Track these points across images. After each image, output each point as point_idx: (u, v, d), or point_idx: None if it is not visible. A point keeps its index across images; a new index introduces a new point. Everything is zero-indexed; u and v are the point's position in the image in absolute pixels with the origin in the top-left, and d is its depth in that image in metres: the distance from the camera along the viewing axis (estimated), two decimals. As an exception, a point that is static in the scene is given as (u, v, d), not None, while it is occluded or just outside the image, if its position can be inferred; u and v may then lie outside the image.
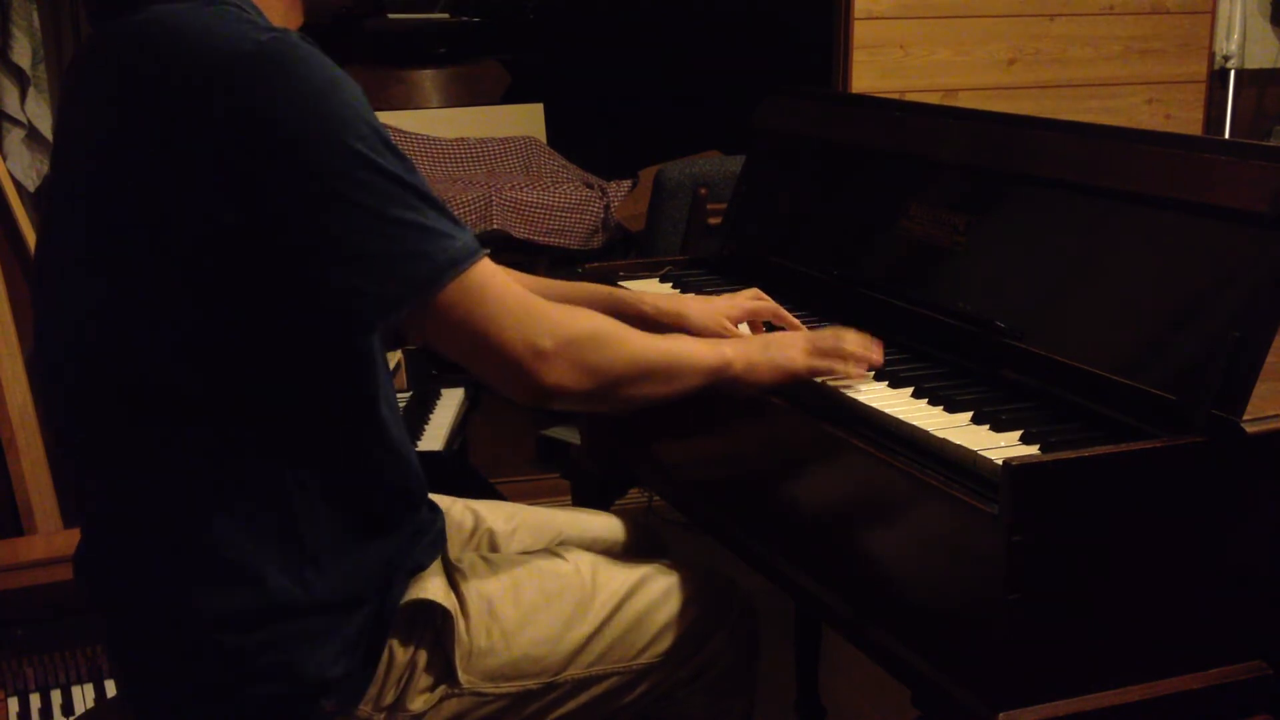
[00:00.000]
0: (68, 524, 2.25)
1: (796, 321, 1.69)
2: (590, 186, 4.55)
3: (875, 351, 1.54)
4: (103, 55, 1.24)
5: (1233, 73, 3.99)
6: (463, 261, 1.21)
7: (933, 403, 1.45)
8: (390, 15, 5.18)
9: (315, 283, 1.17)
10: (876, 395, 1.48)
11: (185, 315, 1.18)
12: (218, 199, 1.14)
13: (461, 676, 1.36)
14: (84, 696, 2.02)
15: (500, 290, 1.24)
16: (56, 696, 2.01)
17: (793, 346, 1.51)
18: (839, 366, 1.51)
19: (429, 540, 1.38)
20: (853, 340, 1.53)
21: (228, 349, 1.19)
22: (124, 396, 1.22)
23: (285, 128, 1.13)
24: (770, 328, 1.70)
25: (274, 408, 1.22)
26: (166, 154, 1.15)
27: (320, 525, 1.26)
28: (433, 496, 1.48)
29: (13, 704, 1.99)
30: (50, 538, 2.13)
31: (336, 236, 1.15)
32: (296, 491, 1.24)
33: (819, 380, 1.52)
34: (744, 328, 1.68)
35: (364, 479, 1.30)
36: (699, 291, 1.98)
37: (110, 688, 2.02)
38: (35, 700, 2.00)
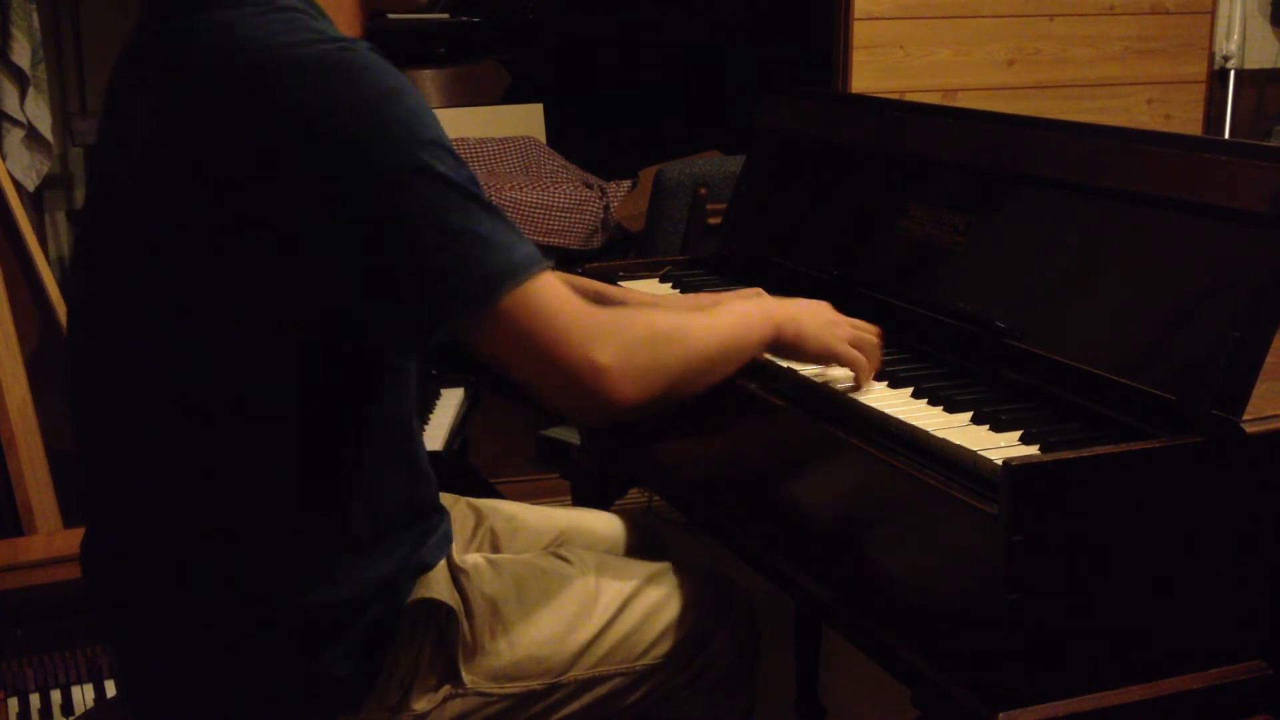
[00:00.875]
0: (68, 524, 2.25)
1: None
2: (590, 186, 4.54)
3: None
4: (160, 53, 1.23)
5: (1233, 73, 3.99)
6: (521, 272, 1.17)
7: (933, 403, 1.45)
8: (390, 15, 5.18)
9: (366, 291, 1.16)
10: (876, 395, 1.48)
11: (223, 323, 1.17)
12: (273, 208, 1.13)
13: (465, 677, 1.36)
14: (84, 696, 2.02)
15: (559, 304, 1.19)
16: (56, 696, 2.01)
17: (839, 326, 1.50)
18: (864, 365, 1.49)
19: (435, 541, 1.38)
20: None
21: (260, 358, 1.18)
22: (141, 395, 1.22)
23: (348, 139, 1.12)
24: None
25: (296, 417, 1.21)
26: (221, 160, 1.14)
27: (332, 532, 1.26)
28: (436, 497, 1.48)
29: (13, 704, 1.99)
30: (50, 538, 2.13)
31: (394, 245, 1.14)
32: (311, 499, 1.24)
33: (819, 380, 1.52)
34: None
35: (383, 488, 1.30)
36: (699, 292, 1.98)
37: (110, 688, 2.02)
38: (35, 700, 2.00)
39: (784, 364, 1.57)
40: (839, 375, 1.53)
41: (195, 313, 1.18)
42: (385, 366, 1.27)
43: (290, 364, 1.19)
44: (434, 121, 1.16)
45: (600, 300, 1.57)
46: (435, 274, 1.15)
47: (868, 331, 1.52)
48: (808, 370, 1.55)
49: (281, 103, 1.13)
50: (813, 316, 1.49)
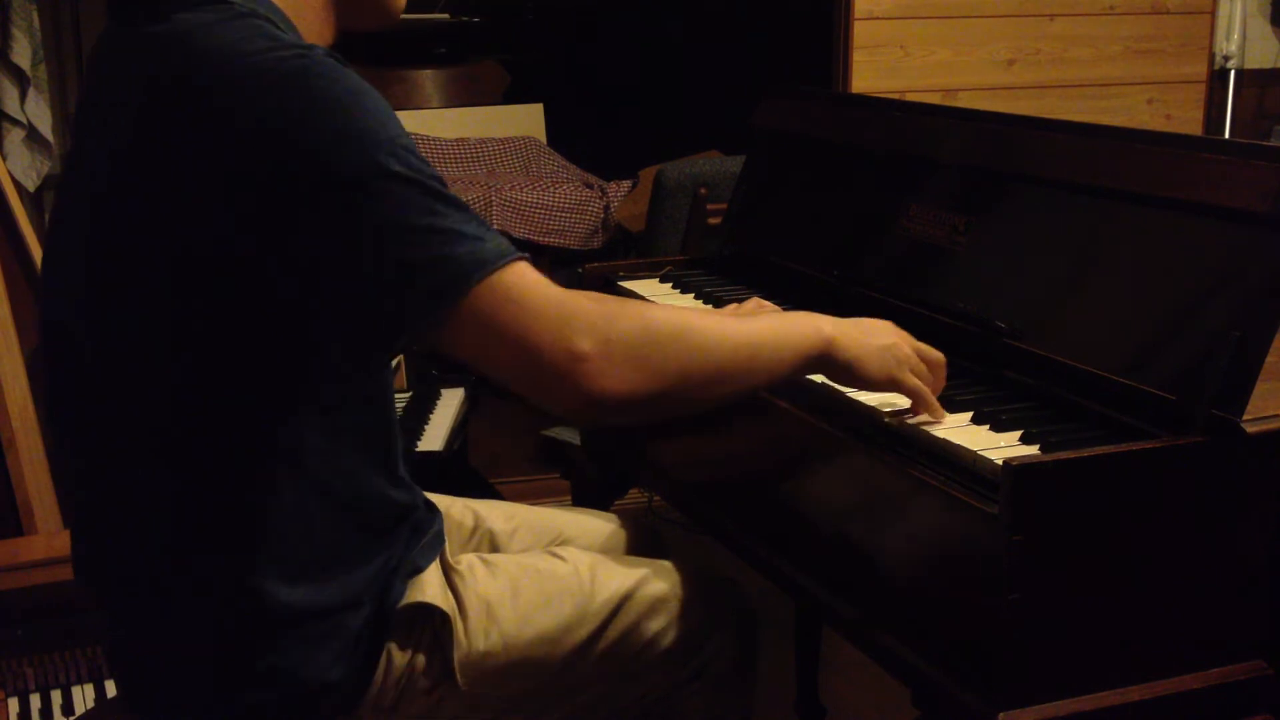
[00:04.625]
0: (68, 524, 2.25)
1: None
2: (590, 186, 4.54)
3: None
4: (125, 60, 1.23)
5: (1233, 73, 3.99)
6: (491, 263, 1.15)
7: (933, 403, 1.45)
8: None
9: (335, 296, 1.15)
10: (876, 395, 1.48)
11: (195, 329, 1.17)
12: (236, 218, 1.13)
13: (460, 678, 1.36)
14: (84, 696, 2.02)
15: (533, 291, 1.16)
16: (56, 696, 2.01)
17: (900, 349, 1.37)
18: (928, 399, 1.38)
19: (427, 542, 1.38)
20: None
21: (237, 362, 1.18)
22: (128, 405, 1.22)
23: (304, 144, 1.11)
24: None
25: (281, 421, 1.21)
26: (184, 169, 1.14)
27: (322, 536, 1.25)
28: (432, 496, 1.47)
29: (13, 704, 1.99)
30: (50, 538, 2.13)
31: (361, 248, 1.13)
32: (300, 503, 1.23)
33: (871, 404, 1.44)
34: None
35: (364, 493, 1.29)
36: (699, 292, 1.98)
37: (110, 688, 2.02)
38: (35, 700, 2.00)
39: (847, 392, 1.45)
40: (897, 403, 1.42)
41: (168, 319, 1.17)
42: (361, 370, 1.26)
43: (263, 369, 1.18)
44: (393, 122, 1.15)
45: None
46: (405, 273, 1.14)
47: (931, 355, 1.41)
48: (863, 396, 1.44)
49: (240, 114, 1.12)
50: (873, 338, 1.36)
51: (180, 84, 1.16)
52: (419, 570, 1.35)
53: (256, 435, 1.21)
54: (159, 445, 1.21)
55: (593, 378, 1.17)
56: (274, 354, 1.18)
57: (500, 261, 1.16)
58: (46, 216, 3.72)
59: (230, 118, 1.13)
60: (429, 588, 1.35)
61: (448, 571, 1.40)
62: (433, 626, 1.35)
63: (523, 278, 1.17)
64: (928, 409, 1.39)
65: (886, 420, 1.41)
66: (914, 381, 1.38)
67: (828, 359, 1.34)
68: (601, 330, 1.18)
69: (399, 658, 1.33)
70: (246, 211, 1.13)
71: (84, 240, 1.23)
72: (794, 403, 1.51)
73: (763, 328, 1.31)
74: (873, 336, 1.38)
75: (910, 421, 1.39)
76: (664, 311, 1.26)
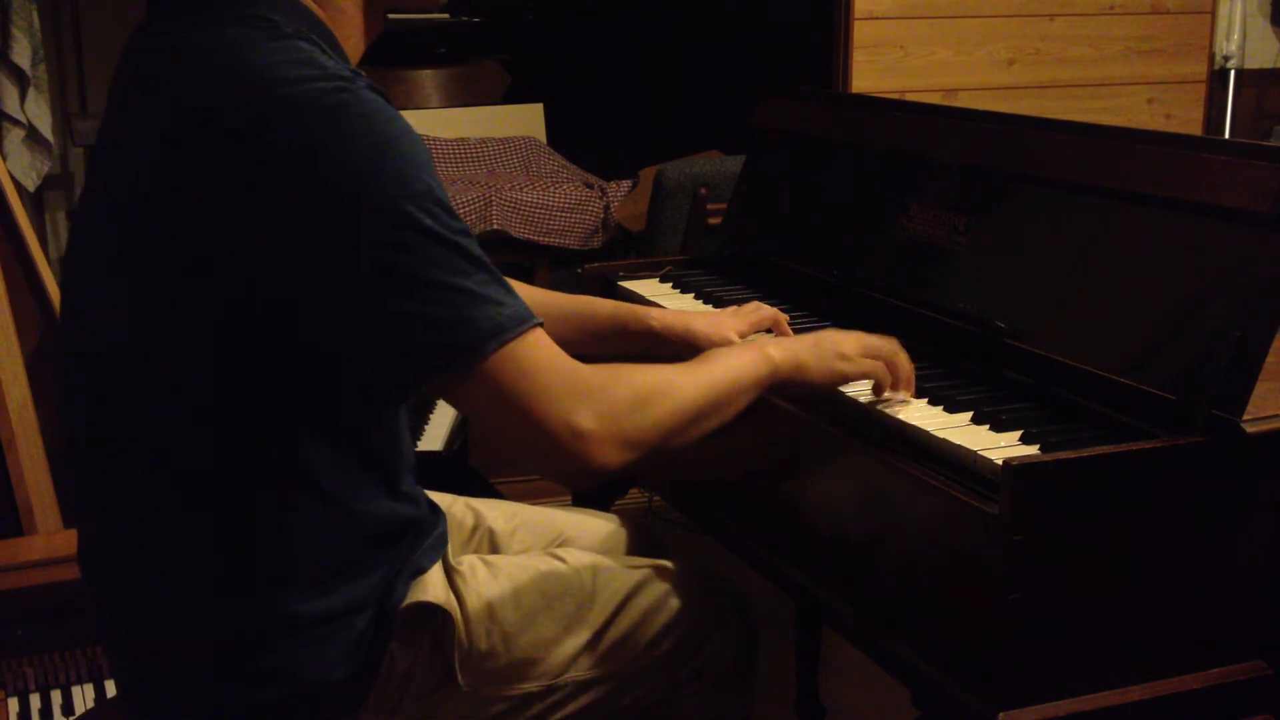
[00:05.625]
0: (68, 524, 2.25)
1: (789, 331, 1.70)
2: (590, 186, 4.54)
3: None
4: (163, 61, 1.21)
5: (1233, 73, 4.00)
6: (508, 331, 1.16)
7: (933, 403, 1.45)
8: (390, 15, 5.18)
9: (346, 336, 1.15)
10: (876, 395, 1.48)
11: (212, 339, 1.16)
12: (259, 241, 1.12)
13: (462, 679, 1.36)
14: (84, 696, 2.02)
15: (544, 363, 1.18)
16: (56, 696, 2.01)
17: (845, 343, 1.46)
18: (880, 373, 1.45)
19: (430, 543, 1.38)
20: (904, 355, 1.48)
21: (251, 379, 1.17)
22: (140, 417, 1.22)
23: (336, 184, 1.10)
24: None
25: (292, 437, 1.21)
26: (211, 189, 1.13)
27: (328, 549, 1.26)
28: (433, 495, 1.47)
29: (13, 704, 1.99)
30: (50, 538, 2.13)
31: (377, 298, 1.13)
32: (306, 517, 1.23)
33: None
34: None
35: (370, 505, 1.29)
36: (699, 292, 1.98)
37: (110, 688, 2.02)
38: (35, 700, 2.00)
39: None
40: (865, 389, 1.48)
41: (186, 326, 1.17)
42: (377, 403, 1.27)
43: (277, 388, 1.18)
44: (427, 171, 1.14)
45: (625, 329, 1.60)
46: (419, 330, 1.13)
47: (883, 344, 1.47)
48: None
49: (272, 142, 1.11)
50: (814, 348, 1.45)
51: (217, 103, 1.14)
52: (421, 571, 1.36)
53: (267, 450, 1.21)
54: (169, 449, 1.21)
55: (591, 454, 1.20)
56: (288, 376, 1.18)
57: (518, 330, 1.17)
58: (46, 216, 3.72)
59: (262, 145, 1.11)
60: (431, 588, 1.35)
61: (449, 573, 1.40)
62: (434, 627, 1.35)
63: (536, 348, 1.18)
64: (884, 384, 1.46)
65: (862, 402, 1.46)
66: (863, 367, 1.45)
67: (776, 379, 1.42)
68: (600, 404, 1.21)
69: (401, 658, 1.33)
70: (268, 237, 1.12)
71: (107, 243, 1.23)
72: (794, 402, 1.52)
73: (722, 368, 1.38)
74: (815, 346, 1.45)
75: (879, 405, 1.45)
76: (645, 375, 1.29)
